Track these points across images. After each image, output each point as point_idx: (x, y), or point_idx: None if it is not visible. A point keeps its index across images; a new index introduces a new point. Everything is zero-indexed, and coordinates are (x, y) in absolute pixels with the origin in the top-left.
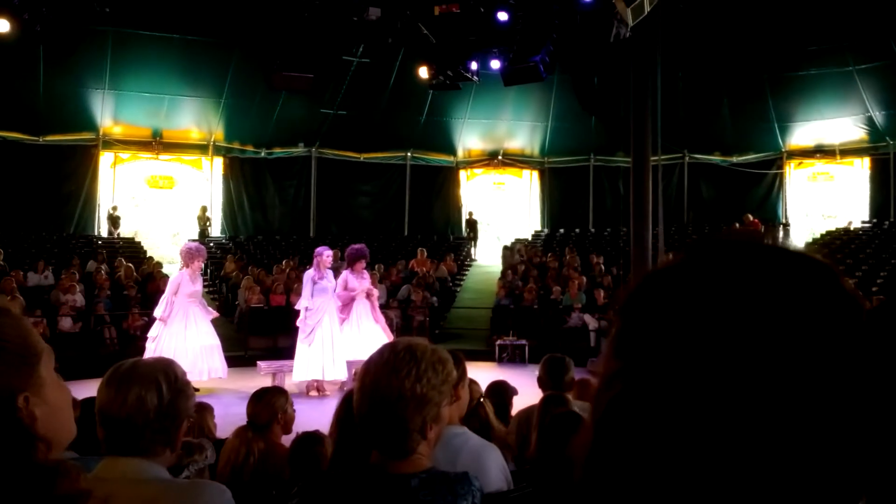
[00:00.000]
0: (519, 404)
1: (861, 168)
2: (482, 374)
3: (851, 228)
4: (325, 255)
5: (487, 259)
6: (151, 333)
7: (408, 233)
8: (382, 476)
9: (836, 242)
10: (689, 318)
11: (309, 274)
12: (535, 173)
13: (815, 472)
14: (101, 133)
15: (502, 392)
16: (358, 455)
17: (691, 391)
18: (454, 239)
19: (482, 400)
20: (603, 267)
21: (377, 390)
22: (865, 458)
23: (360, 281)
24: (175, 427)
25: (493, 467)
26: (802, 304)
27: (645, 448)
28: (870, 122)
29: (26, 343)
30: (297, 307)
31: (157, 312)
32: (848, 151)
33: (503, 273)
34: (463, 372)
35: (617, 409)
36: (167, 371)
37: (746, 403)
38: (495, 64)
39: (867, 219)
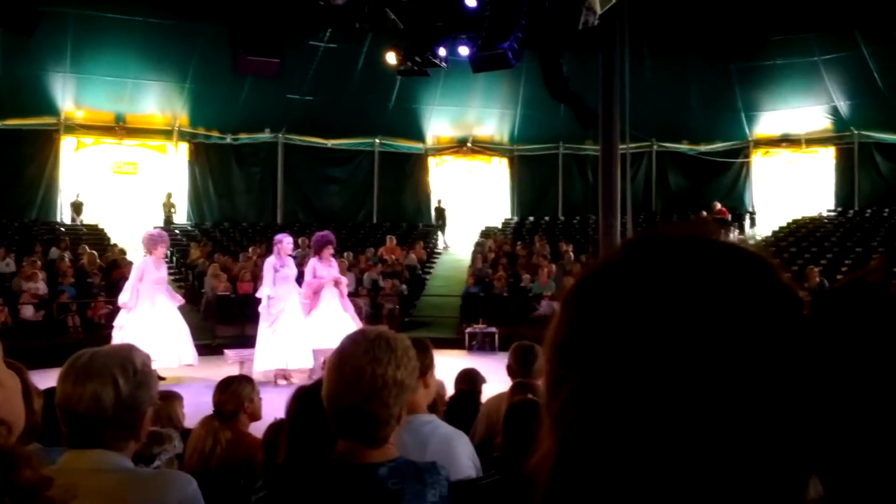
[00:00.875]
0: (489, 392)
1: (826, 157)
2: (452, 361)
3: (818, 216)
4: (286, 242)
5: (457, 247)
6: (117, 322)
7: (377, 220)
8: (349, 466)
9: (801, 231)
10: (630, 319)
11: (270, 262)
12: (505, 161)
13: (765, 461)
14: (62, 117)
15: (472, 380)
16: (314, 447)
17: (641, 396)
18: (423, 226)
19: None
20: (572, 255)
21: (360, 379)
22: (812, 442)
23: (327, 269)
24: (137, 418)
25: (463, 455)
26: (741, 299)
27: (615, 465)
28: (835, 112)
29: None
30: (258, 295)
31: (122, 299)
32: (813, 140)
33: (473, 261)
34: (431, 359)
35: (580, 433)
36: (124, 364)
37: (695, 402)
38: (464, 50)
39: (832, 207)
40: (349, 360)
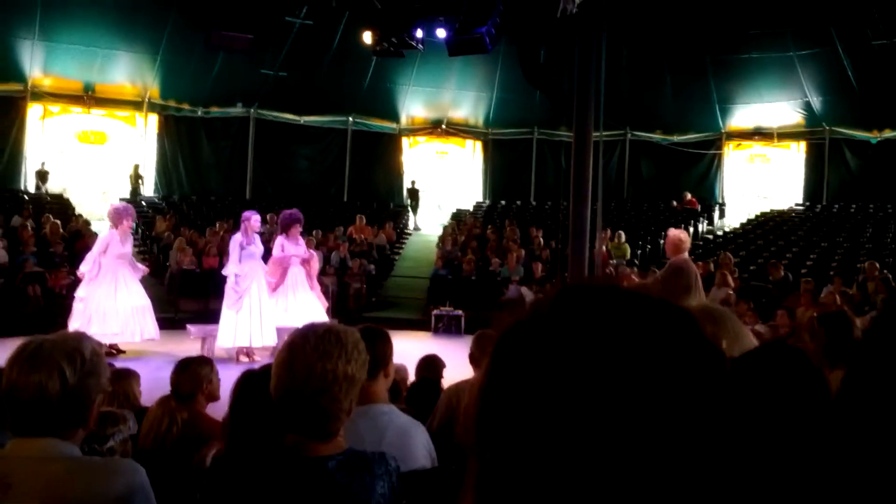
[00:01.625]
0: (451, 375)
1: (797, 151)
2: (418, 344)
3: (786, 210)
4: (254, 219)
5: (428, 228)
6: (79, 294)
7: (347, 199)
8: (298, 459)
9: (769, 224)
10: (558, 376)
11: (237, 239)
12: (479, 144)
13: None
14: (29, 84)
15: (433, 366)
16: (257, 433)
17: (567, 444)
18: (394, 206)
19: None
20: (542, 240)
21: (311, 374)
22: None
23: (294, 247)
24: (85, 407)
25: (419, 445)
26: (667, 357)
27: None
28: (807, 107)
29: None
30: (224, 273)
31: (83, 269)
32: (785, 135)
33: (442, 243)
34: (391, 349)
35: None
36: (72, 354)
37: (621, 453)
38: (441, 32)
39: (801, 201)
40: (299, 355)
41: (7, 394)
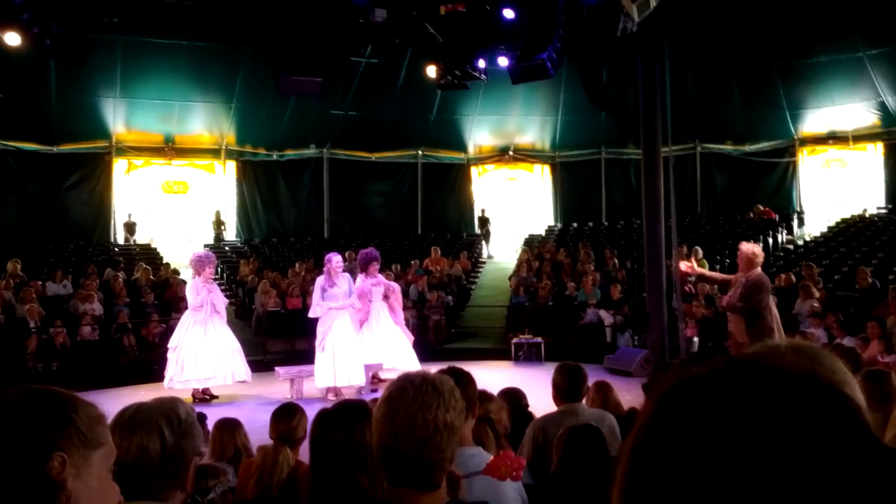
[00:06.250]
0: (536, 404)
1: (875, 153)
2: (499, 373)
3: (867, 215)
4: (335, 260)
5: (501, 255)
6: (171, 343)
7: (421, 231)
8: None
9: (851, 230)
10: (716, 461)
11: (319, 281)
12: (547, 167)
13: None
14: (113, 140)
15: (515, 400)
16: (337, 478)
17: None
18: (467, 236)
19: (487, 417)
20: (617, 261)
21: (413, 427)
22: None
23: (374, 284)
24: (183, 468)
25: (509, 487)
26: (819, 435)
27: None
28: (882, 107)
29: (92, 429)
30: (309, 315)
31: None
32: (861, 137)
33: (517, 269)
34: (475, 391)
35: None
36: (169, 415)
37: None
38: (503, 61)
39: (882, 204)
40: (399, 408)
41: None
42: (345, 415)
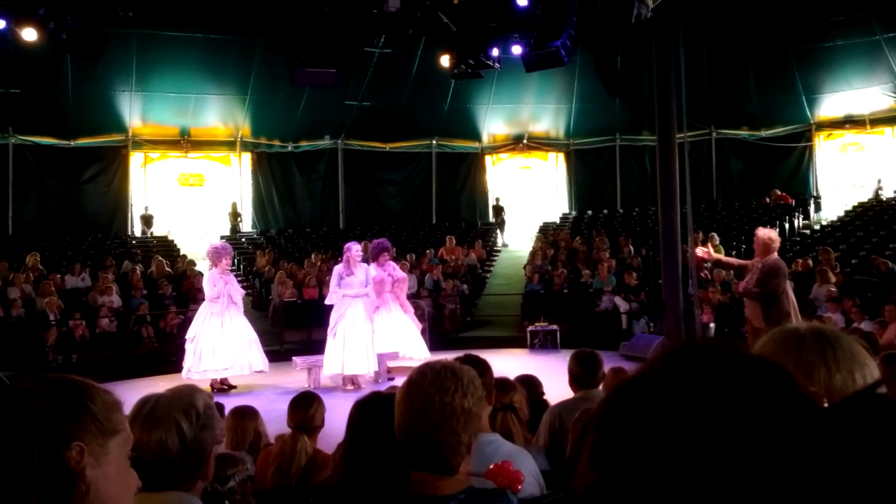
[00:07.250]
0: (552, 391)
1: (892, 137)
2: (515, 361)
3: (882, 196)
4: (354, 249)
5: (516, 244)
6: (189, 334)
7: (436, 221)
8: (421, 498)
9: (868, 214)
10: (659, 434)
11: (337, 269)
12: (561, 155)
13: None
14: (130, 134)
15: (532, 385)
16: (371, 466)
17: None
18: (482, 225)
19: (512, 406)
20: (632, 248)
21: (429, 409)
22: None
23: (383, 274)
24: (203, 459)
25: (527, 473)
26: (764, 411)
27: None
28: None
29: (108, 416)
30: (326, 303)
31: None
32: (878, 121)
33: (532, 257)
34: (492, 378)
35: None
36: (187, 409)
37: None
38: (517, 49)
39: None
40: (416, 391)
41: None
42: (386, 403)
